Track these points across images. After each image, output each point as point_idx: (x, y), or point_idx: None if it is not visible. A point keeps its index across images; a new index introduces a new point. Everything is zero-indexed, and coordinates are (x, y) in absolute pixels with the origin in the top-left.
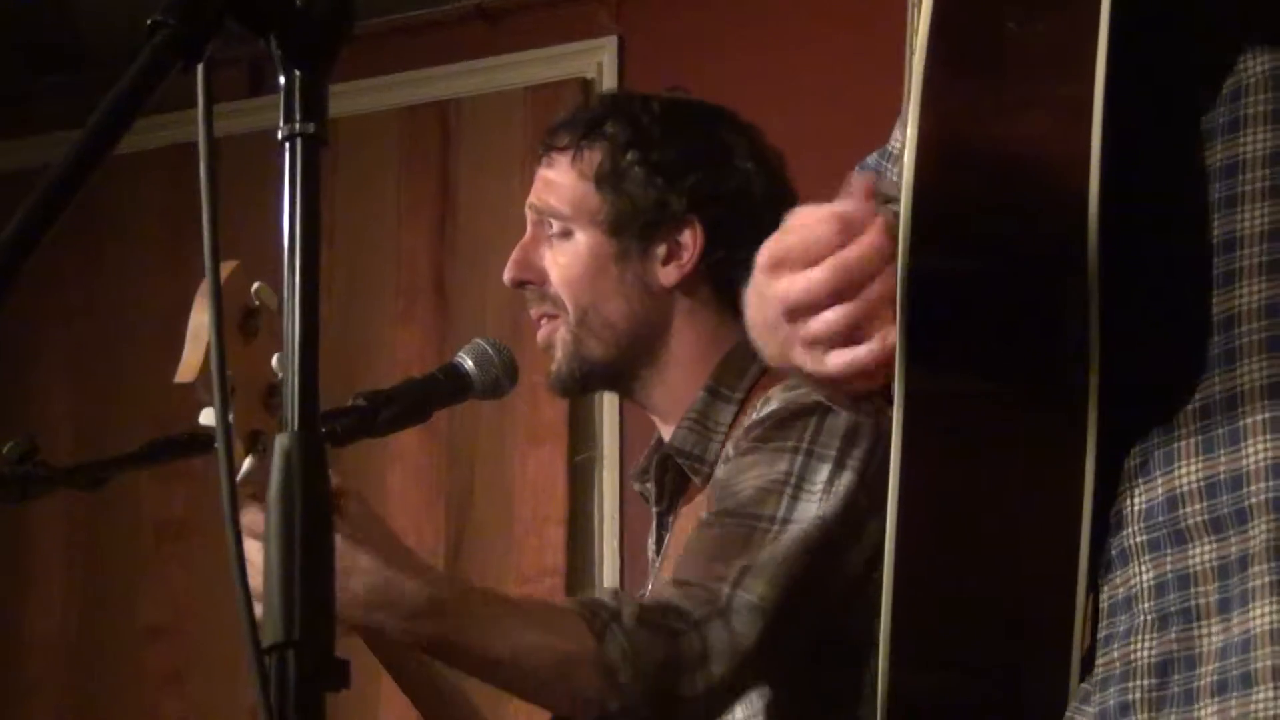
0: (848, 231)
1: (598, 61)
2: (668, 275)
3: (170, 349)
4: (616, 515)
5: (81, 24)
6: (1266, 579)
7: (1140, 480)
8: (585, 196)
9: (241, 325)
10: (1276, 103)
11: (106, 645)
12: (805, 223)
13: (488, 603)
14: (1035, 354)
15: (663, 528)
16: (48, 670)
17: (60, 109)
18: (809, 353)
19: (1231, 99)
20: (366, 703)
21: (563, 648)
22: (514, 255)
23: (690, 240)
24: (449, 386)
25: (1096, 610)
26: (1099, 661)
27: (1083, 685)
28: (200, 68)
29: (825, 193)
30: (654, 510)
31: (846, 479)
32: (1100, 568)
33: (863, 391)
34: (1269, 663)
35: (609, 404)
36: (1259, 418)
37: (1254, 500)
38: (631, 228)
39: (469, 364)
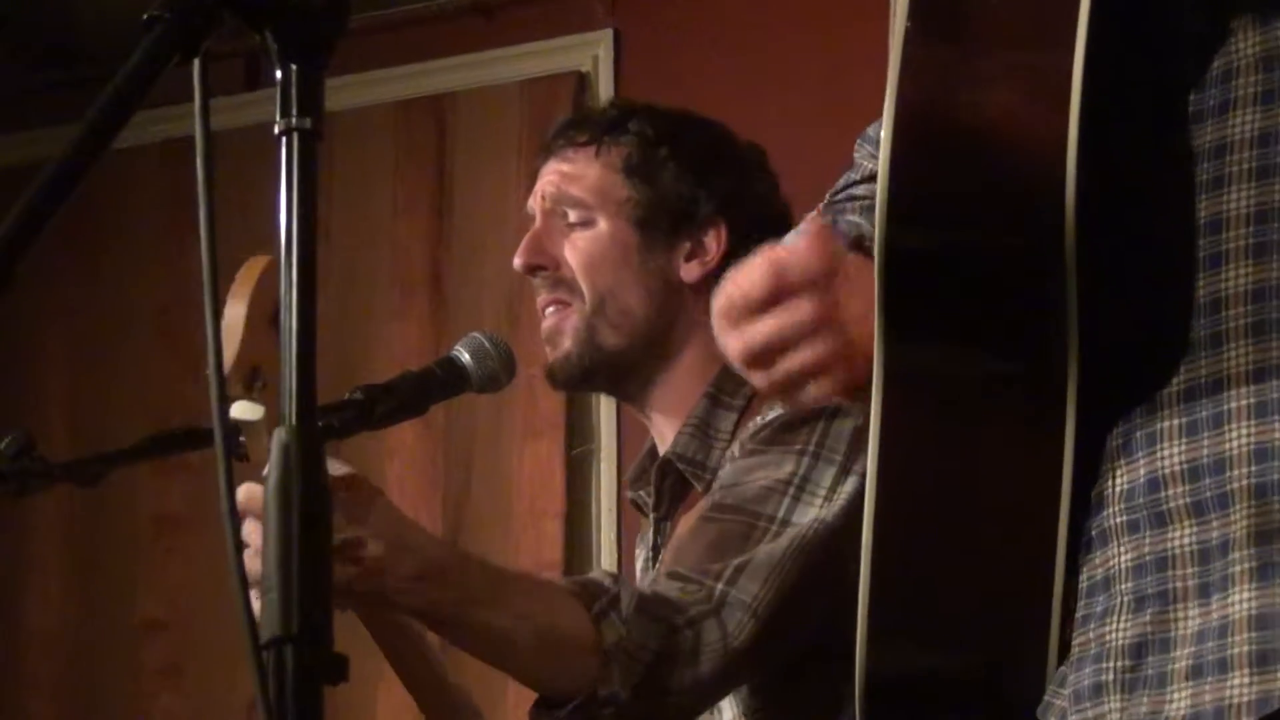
0: (777, 284)
1: (593, 55)
2: (689, 272)
3: (167, 343)
4: (614, 509)
5: (78, 19)
6: (1247, 565)
7: (1122, 461)
8: (613, 186)
9: (274, 319)
10: (1267, 84)
11: (104, 639)
12: (743, 270)
13: (487, 574)
14: (1015, 332)
15: (660, 534)
16: (46, 664)
17: (57, 104)
18: (777, 398)
19: (1222, 80)
20: (365, 698)
21: (559, 628)
22: (525, 241)
23: (714, 242)
24: (446, 380)
25: (1078, 591)
26: (1075, 642)
27: (1060, 668)
28: (197, 62)
29: (821, 189)
30: (652, 518)
31: (851, 485)
32: (1080, 549)
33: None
34: (1248, 648)
35: (607, 397)
36: (1243, 403)
37: (1236, 485)
38: (659, 220)
39: (466, 357)
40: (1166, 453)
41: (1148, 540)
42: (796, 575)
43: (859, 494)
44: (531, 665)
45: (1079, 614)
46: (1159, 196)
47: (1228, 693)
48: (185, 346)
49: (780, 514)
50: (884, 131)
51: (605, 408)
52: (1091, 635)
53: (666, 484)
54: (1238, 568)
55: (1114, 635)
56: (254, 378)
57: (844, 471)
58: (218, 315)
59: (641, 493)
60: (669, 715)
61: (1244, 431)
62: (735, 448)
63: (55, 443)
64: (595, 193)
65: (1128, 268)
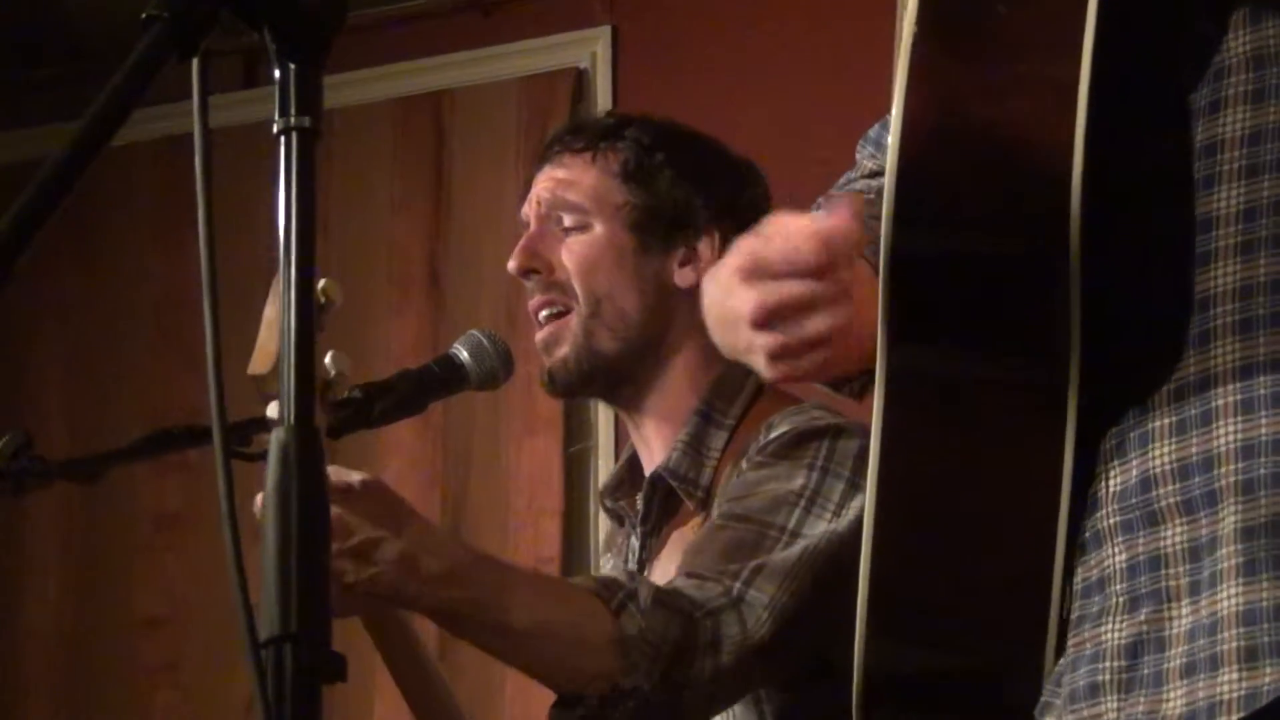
0: (829, 256)
1: (591, 52)
2: (684, 277)
3: (165, 340)
4: None
5: (76, 17)
6: (1235, 561)
7: (1116, 462)
8: (609, 191)
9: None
10: (1256, 83)
11: (103, 637)
12: (787, 234)
13: (506, 574)
14: (1017, 337)
15: (645, 549)
16: (44, 661)
17: (56, 102)
18: (770, 365)
19: (1214, 79)
20: (362, 696)
21: (580, 624)
22: (521, 244)
23: (708, 249)
24: (444, 378)
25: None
26: (1071, 642)
27: (1056, 668)
28: (195, 60)
29: (819, 182)
30: (639, 530)
31: (859, 501)
32: (1076, 550)
33: (840, 375)
34: (1236, 644)
35: None
36: (1230, 400)
37: (1224, 482)
38: (655, 225)
39: (464, 355)
40: (1158, 452)
41: (1141, 540)
42: (809, 584)
43: None
44: (553, 662)
45: (1075, 615)
46: (1157, 197)
47: (1219, 690)
48: (184, 344)
49: (791, 525)
50: (891, 136)
51: (603, 406)
52: (1087, 636)
53: (657, 497)
54: (1225, 564)
55: (1110, 635)
56: None
57: (852, 487)
58: (216, 312)
59: (623, 503)
60: (687, 709)
61: (1231, 428)
62: (744, 462)
63: (53, 441)
64: (591, 197)
65: (1127, 268)
